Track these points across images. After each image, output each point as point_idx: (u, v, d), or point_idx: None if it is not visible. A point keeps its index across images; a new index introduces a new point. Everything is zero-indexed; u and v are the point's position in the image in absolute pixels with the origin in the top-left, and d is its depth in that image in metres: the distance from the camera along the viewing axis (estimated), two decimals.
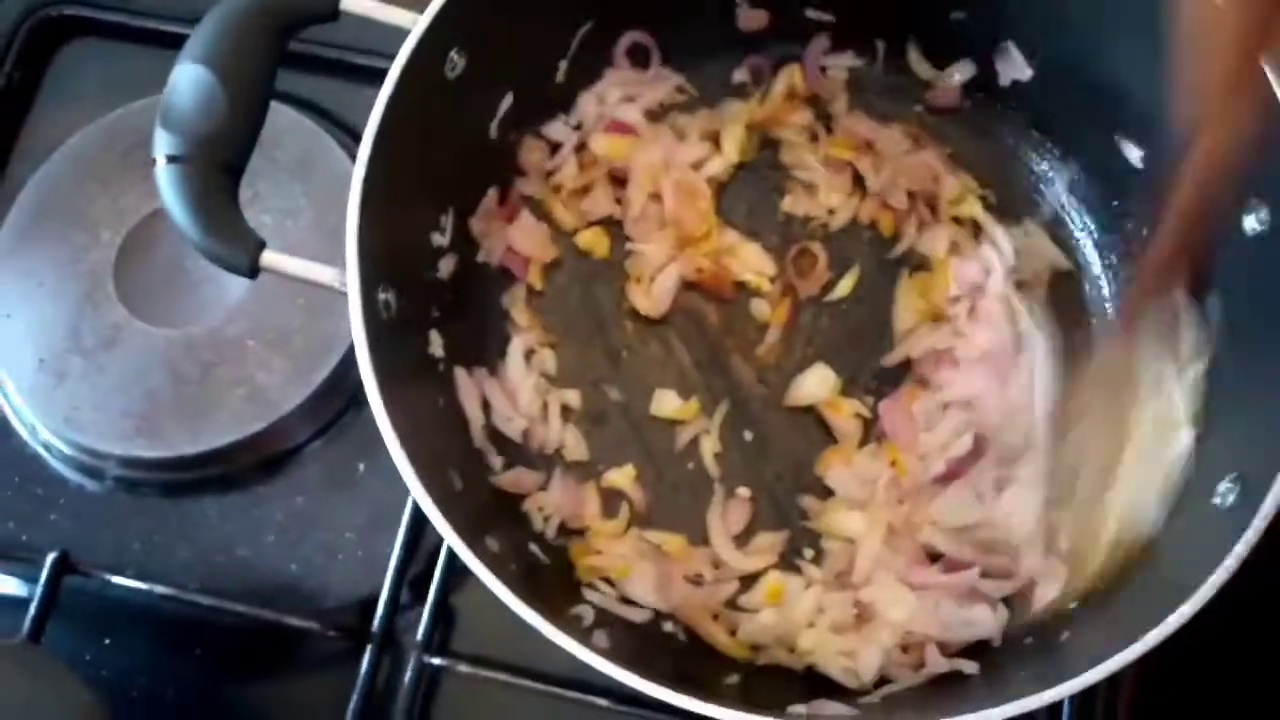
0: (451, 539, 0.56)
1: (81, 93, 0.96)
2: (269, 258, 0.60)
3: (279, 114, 0.89)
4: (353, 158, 0.67)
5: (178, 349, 0.84)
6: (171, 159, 0.58)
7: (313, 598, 0.81)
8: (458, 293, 0.75)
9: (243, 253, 0.59)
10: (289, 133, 0.89)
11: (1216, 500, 0.59)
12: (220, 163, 0.59)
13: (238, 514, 0.83)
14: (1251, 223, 0.64)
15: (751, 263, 0.81)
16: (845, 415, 0.76)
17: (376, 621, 0.78)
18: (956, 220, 0.80)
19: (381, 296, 0.63)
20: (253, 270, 0.59)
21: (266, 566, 0.82)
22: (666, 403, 0.78)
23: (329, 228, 0.84)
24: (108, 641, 0.80)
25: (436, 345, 0.72)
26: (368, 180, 0.61)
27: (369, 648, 0.77)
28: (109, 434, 0.82)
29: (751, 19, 0.81)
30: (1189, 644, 0.54)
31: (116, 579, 0.78)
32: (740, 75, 0.84)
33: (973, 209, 0.80)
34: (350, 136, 0.90)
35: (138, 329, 0.85)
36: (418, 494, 0.56)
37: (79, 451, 0.83)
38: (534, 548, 0.72)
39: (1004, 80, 0.80)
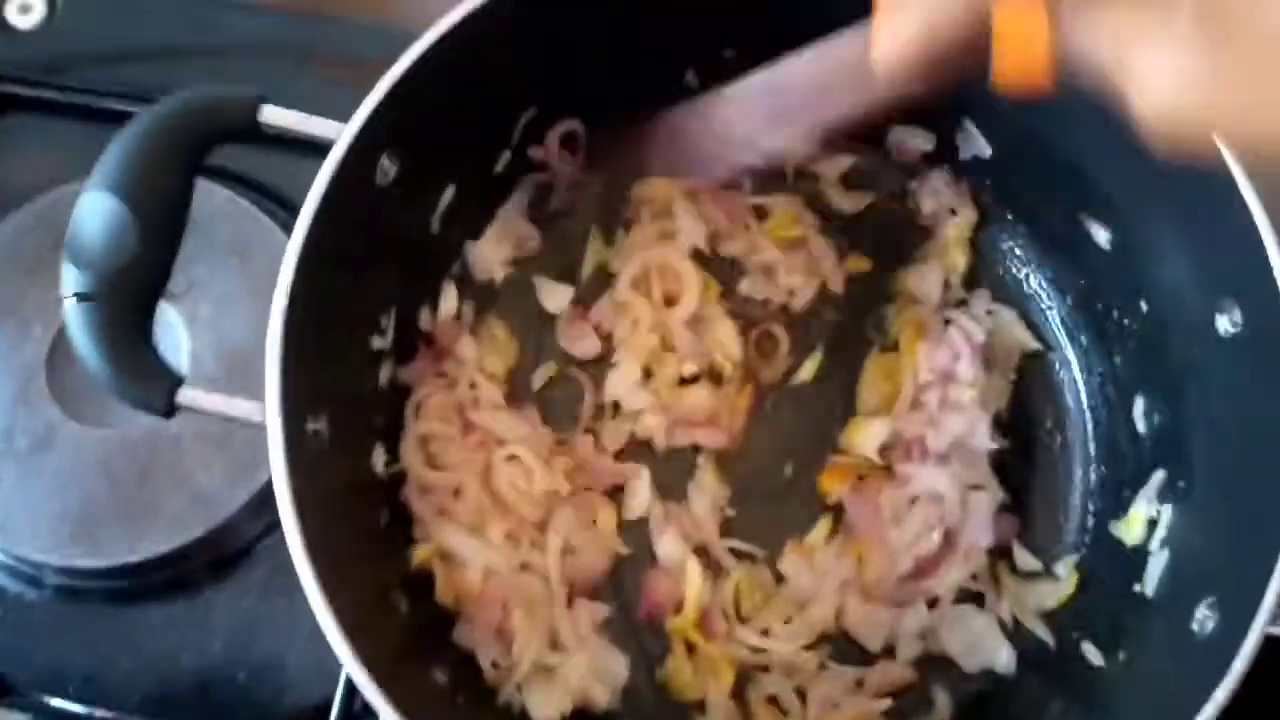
0: (365, 686, 0.52)
1: (13, 173, 0.91)
2: (186, 395, 0.57)
3: (213, 194, 0.86)
4: None
5: (114, 450, 0.80)
6: (80, 296, 0.55)
7: (263, 708, 0.78)
8: (403, 399, 0.71)
9: (157, 395, 0.56)
10: (224, 214, 0.85)
11: (1195, 626, 0.57)
12: (132, 299, 0.56)
13: (184, 621, 0.79)
14: (1224, 324, 0.61)
15: (723, 341, 0.77)
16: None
17: None
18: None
19: (311, 427, 0.59)
20: (168, 411, 0.56)
21: (214, 676, 0.78)
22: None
23: None
24: None
25: (379, 460, 0.68)
26: (291, 307, 0.57)
27: None
28: (44, 542, 0.79)
29: None
30: None
31: (55, 701, 0.75)
32: None
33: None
34: (292, 214, 0.86)
35: (72, 429, 0.81)
36: (334, 640, 0.53)
37: (14, 560, 0.80)
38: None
39: (964, 155, 0.76)
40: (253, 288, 0.83)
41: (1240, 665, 0.51)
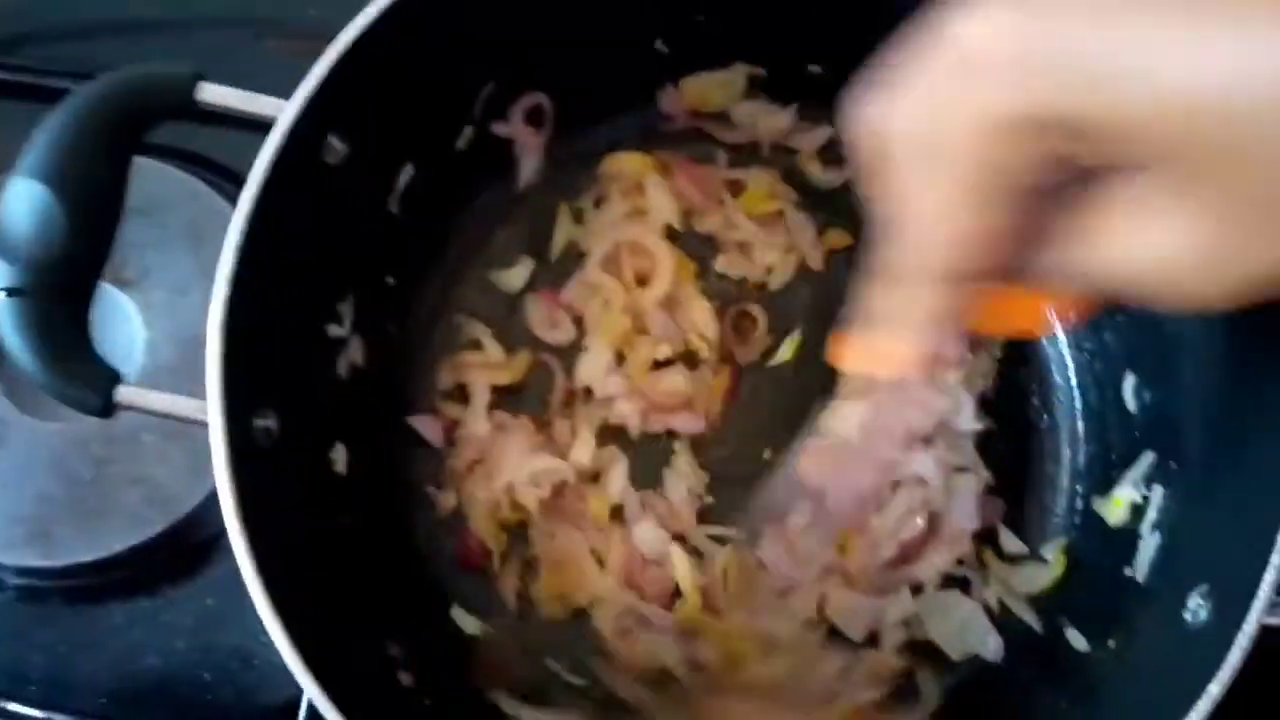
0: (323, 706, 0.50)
1: None
2: (125, 393, 0.53)
3: (167, 176, 0.83)
4: None
5: (67, 446, 0.77)
6: (10, 291, 0.51)
7: (227, 707, 0.76)
8: (363, 391, 0.68)
9: (93, 393, 0.53)
10: (179, 197, 0.82)
11: (1188, 615, 0.54)
12: (64, 291, 0.52)
13: (145, 620, 0.77)
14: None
15: (698, 323, 0.74)
16: None
17: None
18: None
19: (259, 424, 0.56)
20: (106, 410, 0.53)
21: (178, 675, 0.76)
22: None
23: None
24: None
25: (339, 458, 0.65)
26: (234, 296, 0.54)
27: None
28: None
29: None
30: None
31: (14, 706, 0.73)
32: None
33: None
34: None
35: (24, 425, 0.78)
36: (284, 651, 0.50)
37: None
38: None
39: None
40: (209, 273, 0.78)
41: (1235, 657, 0.48)
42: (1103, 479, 0.69)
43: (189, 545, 0.78)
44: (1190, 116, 0.31)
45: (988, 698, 0.68)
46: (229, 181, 0.84)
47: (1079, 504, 0.71)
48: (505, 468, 0.70)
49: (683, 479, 0.73)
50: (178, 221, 0.82)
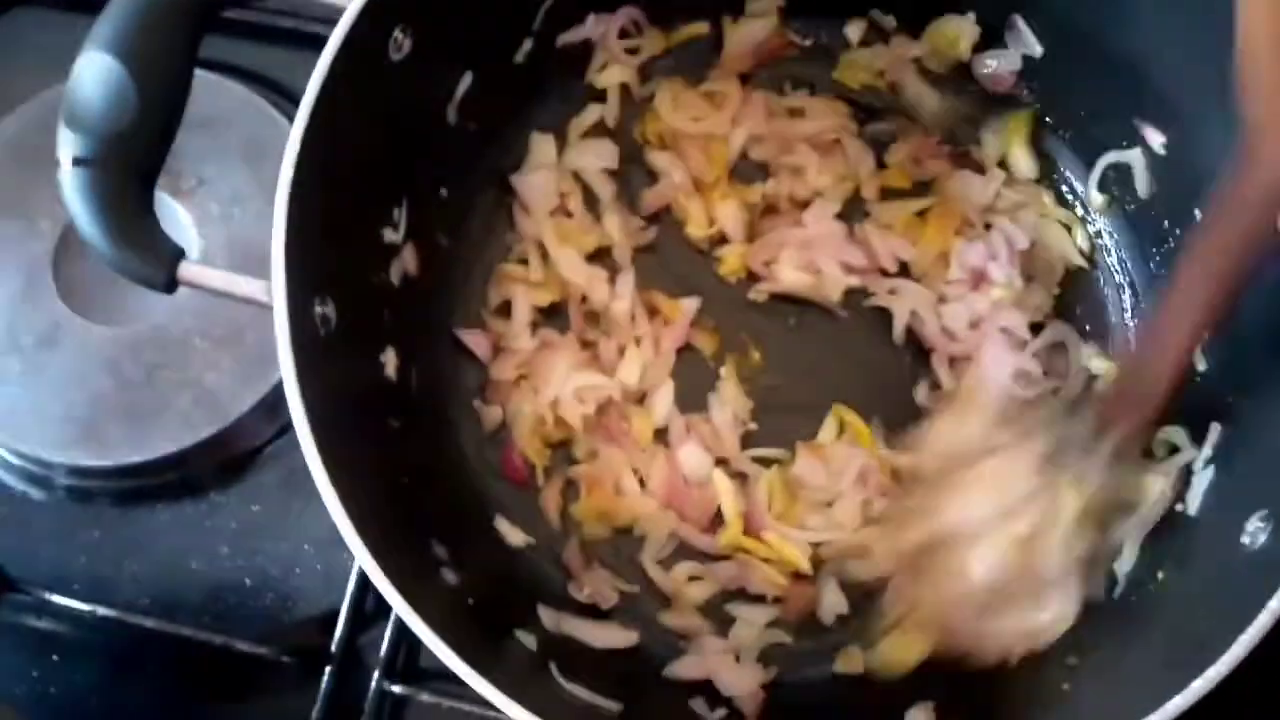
0: (389, 594, 0.50)
1: (22, 66, 0.88)
2: (188, 270, 0.54)
3: (226, 91, 0.83)
4: None
5: (121, 349, 0.78)
6: (78, 161, 0.52)
7: (270, 614, 0.76)
8: (414, 300, 0.68)
9: (158, 267, 0.53)
10: (238, 112, 0.83)
11: (1245, 540, 0.53)
12: (133, 166, 0.53)
13: (190, 524, 0.78)
14: None
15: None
16: None
17: (335, 641, 0.73)
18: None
19: (318, 310, 0.57)
20: (169, 285, 0.53)
21: (220, 580, 0.77)
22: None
23: None
24: (55, 659, 0.76)
25: (389, 361, 0.66)
26: (297, 182, 0.54)
27: (328, 669, 0.72)
28: (50, 441, 0.77)
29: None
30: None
31: (59, 598, 0.74)
32: None
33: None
34: None
35: (79, 327, 0.79)
36: (357, 551, 0.51)
37: (20, 459, 0.78)
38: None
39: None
40: (265, 188, 0.78)
41: None
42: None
43: (236, 452, 0.79)
44: None
45: None
46: (287, 99, 0.85)
47: None
48: (551, 383, 0.71)
49: (728, 404, 0.72)
50: (235, 136, 0.82)
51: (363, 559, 0.51)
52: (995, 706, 0.59)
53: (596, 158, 0.75)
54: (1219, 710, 0.47)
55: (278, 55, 0.85)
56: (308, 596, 0.76)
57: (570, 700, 0.58)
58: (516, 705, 0.49)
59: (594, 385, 0.71)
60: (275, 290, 0.53)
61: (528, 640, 0.63)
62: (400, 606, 0.50)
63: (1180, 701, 0.46)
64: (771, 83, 0.77)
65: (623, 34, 0.75)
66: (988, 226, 0.73)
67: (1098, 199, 0.74)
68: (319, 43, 0.81)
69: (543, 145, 0.75)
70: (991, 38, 0.73)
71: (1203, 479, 0.62)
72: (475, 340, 0.73)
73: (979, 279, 0.72)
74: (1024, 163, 0.75)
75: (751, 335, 0.75)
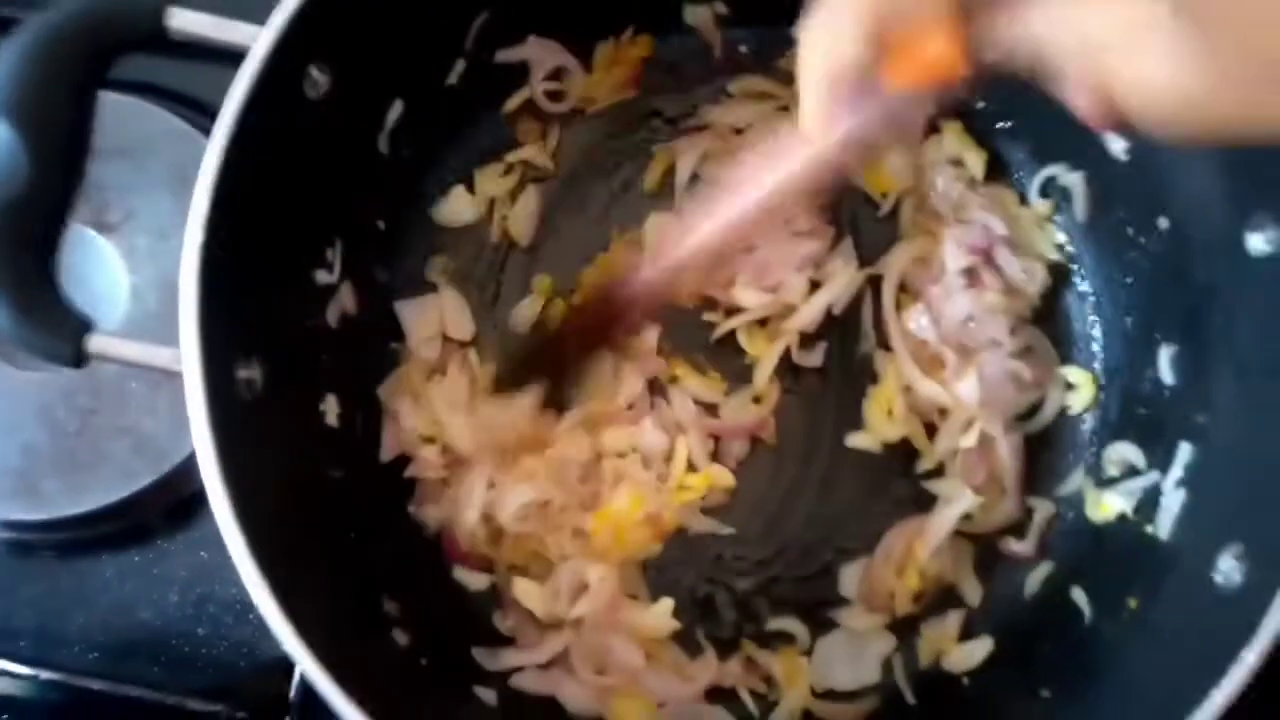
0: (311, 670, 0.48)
1: None
2: (97, 343, 0.51)
3: (148, 114, 0.79)
4: None
5: (53, 396, 0.75)
6: None
7: (224, 662, 0.74)
8: (355, 341, 0.65)
9: (62, 342, 0.50)
10: (162, 138, 0.78)
11: (1219, 578, 0.51)
12: (29, 237, 0.49)
13: (137, 573, 0.76)
14: (1258, 242, 0.54)
15: None
16: None
17: (293, 688, 0.70)
18: None
19: (242, 375, 0.54)
20: (77, 360, 0.50)
21: (172, 630, 0.75)
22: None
23: None
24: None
25: (330, 410, 0.63)
26: (210, 241, 0.51)
27: None
28: None
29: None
30: None
31: (3, 663, 0.71)
32: None
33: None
34: None
35: (6, 375, 0.76)
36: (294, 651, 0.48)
37: None
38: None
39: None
40: None
41: (1274, 622, 0.45)
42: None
43: (180, 497, 0.75)
44: None
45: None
46: (212, 119, 0.80)
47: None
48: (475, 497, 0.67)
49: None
50: (160, 163, 0.78)
51: (300, 659, 0.49)
52: None
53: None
54: None
55: (201, 73, 0.80)
56: (264, 641, 0.74)
57: None
58: None
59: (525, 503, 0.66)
60: (187, 359, 0.49)
61: (487, 697, 0.61)
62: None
63: None
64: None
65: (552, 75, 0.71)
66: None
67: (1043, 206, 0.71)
68: (238, 56, 0.78)
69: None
70: None
71: (1173, 500, 0.60)
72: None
73: (988, 260, 0.70)
74: (977, 166, 0.72)
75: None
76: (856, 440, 0.70)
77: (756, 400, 0.71)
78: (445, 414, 0.67)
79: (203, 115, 0.80)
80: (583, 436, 0.67)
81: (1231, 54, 0.33)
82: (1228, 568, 0.51)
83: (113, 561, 0.76)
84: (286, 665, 0.71)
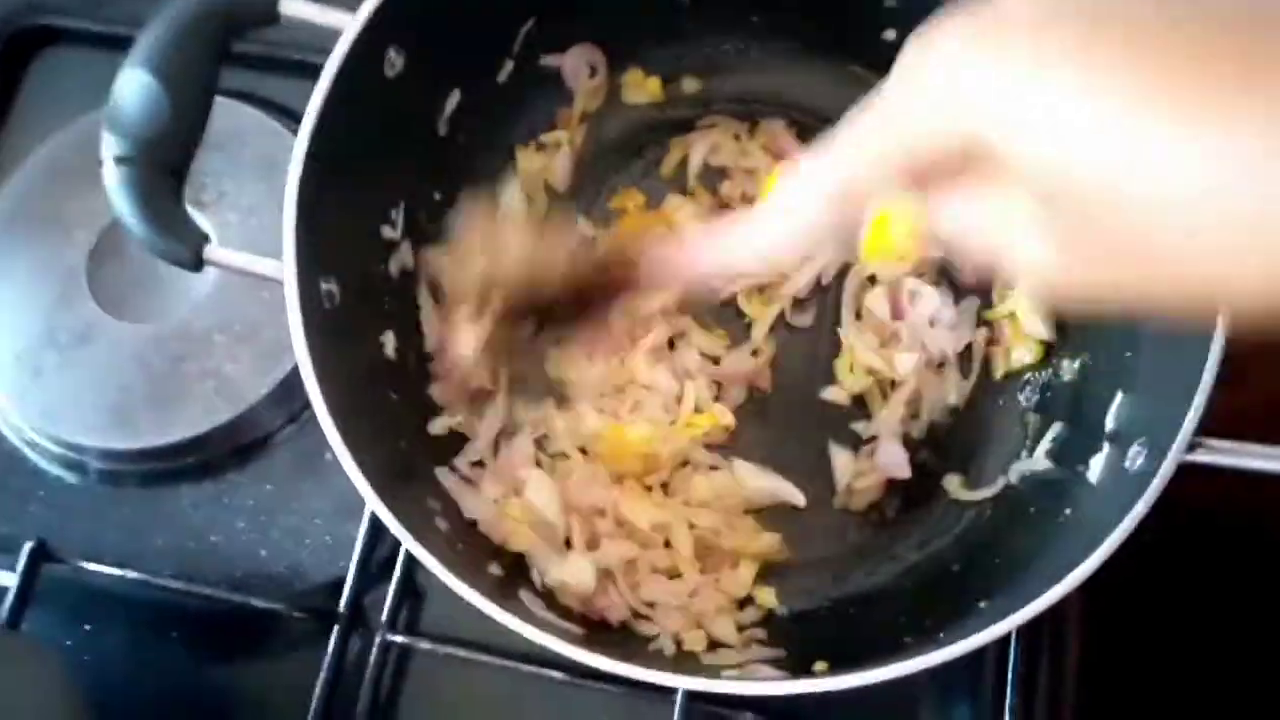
0: (389, 522, 0.58)
1: (57, 99, 0.99)
2: (212, 251, 0.63)
3: (242, 114, 0.93)
4: None
5: (148, 344, 0.87)
6: (119, 160, 0.61)
7: (283, 581, 0.84)
8: (411, 293, 0.77)
9: (185, 247, 0.62)
10: (252, 132, 0.92)
11: (1128, 464, 0.61)
12: (164, 163, 0.62)
13: (210, 502, 0.86)
14: None
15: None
16: None
17: (343, 602, 0.80)
18: None
19: (324, 286, 0.65)
20: (196, 263, 0.62)
21: (238, 552, 0.85)
22: None
23: None
24: (87, 628, 0.83)
25: (389, 345, 0.74)
26: (305, 176, 0.63)
27: (336, 627, 0.79)
28: (84, 427, 0.86)
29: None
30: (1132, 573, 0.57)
31: (92, 565, 0.81)
32: None
33: None
34: None
35: (110, 325, 0.88)
36: (356, 478, 0.59)
37: (57, 445, 0.87)
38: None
39: None
40: (277, 199, 0.87)
41: (1158, 484, 0.55)
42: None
43: (251, 437, 0.87)
44: (1076, 180, 0.36)
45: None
46: (296, 121, 0.94)
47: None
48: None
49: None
50: (250, 153, 0.92)
51: (368, 496, 0.59)
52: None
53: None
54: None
55: (286, 84, 0.95)
56: (317, 565, 0.84)
57: (541, 621, 0.65)
58: (503, 612, 0.57)
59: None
60: (286, 264, 0.61)
61: (494, 570, 0.71)
62: (401, 534, 0.58)
63: (1060, 589, 0.55)
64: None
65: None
66: None
67: None
68: (318, 70, 0.92)
69: None
70: None
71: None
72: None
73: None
74: None
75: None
76: (828, 394, 0.80)
77: (754, 354, 0.82)
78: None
79: (284, 116, 0.95)
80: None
81: (1082, 241, 0.38)
82: (1133, 454, 0.61)
83: (189, 492, 0.86)
84: (336, 584, 0.82)
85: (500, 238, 0.57)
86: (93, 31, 0.98)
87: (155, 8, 0.96)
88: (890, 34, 0.77)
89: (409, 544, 0.60)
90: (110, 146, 0.61)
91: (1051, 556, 0.63)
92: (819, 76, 0.83)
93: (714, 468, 0.78)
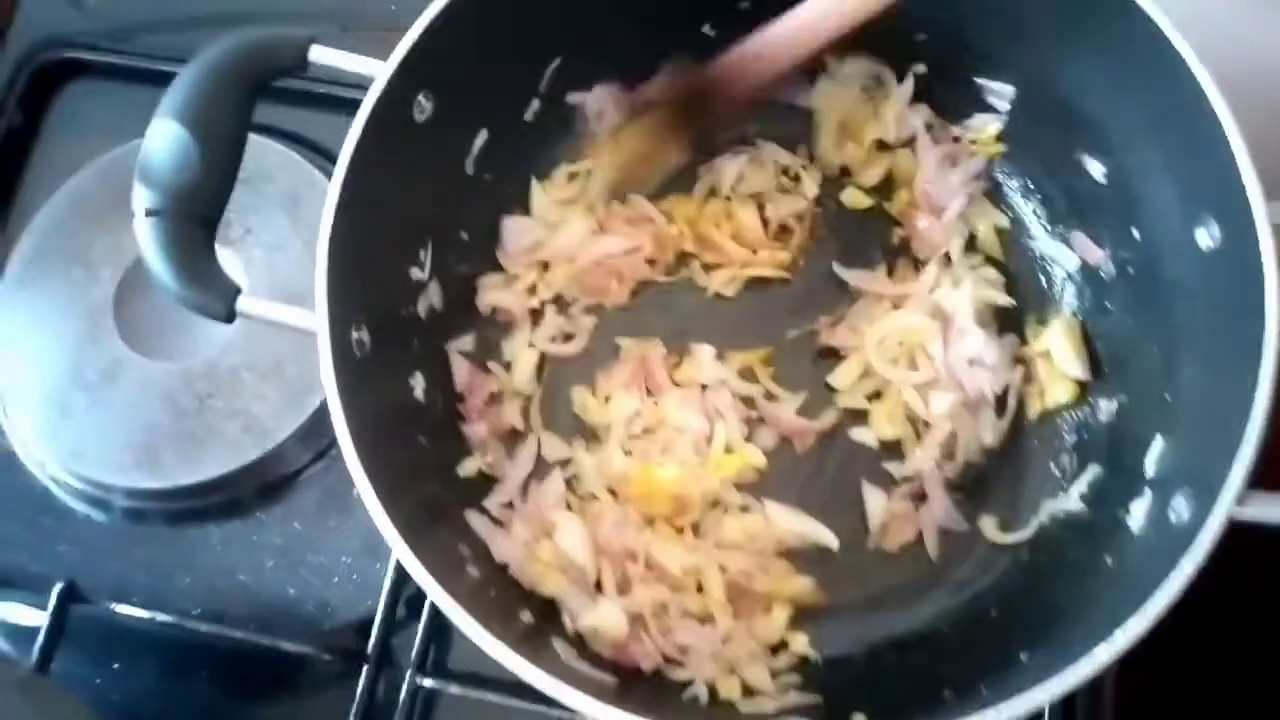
0: (418, 574, 0.58)
1: (82, 132, 0.99)
2: (244, 303, 0.62)
3: (268, 150, 0.92)
4: None
5: (175, 382, 0.87)
6: (150, 213, 0.61)
7: (311, 620, 0.83)
8: (439, 331, 0.77)
9: (219, 300, 0.62)
10: (278, 168, 0.92)
11: (1171, 516, 0.60)
12: (195, 215, 0.62)
13: (238, 540, 0.86)
14: (1204, 239, 0.64)
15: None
16: None
17: (371, 643, 0.80)
18: None
19: (354, 335, 0.65)
20: (229, 316, 0.62)
21: (266, 591, 0.84)
22: None
23: None
24: (116, 667, 0.83)
25: (419, 388, 0.74)
26: (336, 225, 0.63)
27: (365, 668, 0.79)
28: (112, 466, 0.85)
29: None
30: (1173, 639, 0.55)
31: (121, 607, 0.81)
32: None
33: None
34: None
35: (137, 363, 0.88)
36: (387, 533, 0.58)
37: (85, 484, 0.86)
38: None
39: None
40: (303, 234, 0.90)
41: (1206, 539, 0.54)
42: None
43: (278, 474, 0.86)
44: None
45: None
46: (322, 156, 0.94)
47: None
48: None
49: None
50: (276, 190, 0.92)
51: (399, 551, 0.58)
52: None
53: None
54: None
55: (312, 118, 0.95)
56: (345, 604, 0.83)
57: (572, 672, 0.64)
58: (531, 668, 0.56)
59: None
60: (318, 317, 0.61)
61: (526, 617, 0.70)
62: (429, 587, 0.58)
63: (1106, 651, 0.53)
64: None
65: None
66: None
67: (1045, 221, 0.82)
68: (347, 105, 0.91)
69: None
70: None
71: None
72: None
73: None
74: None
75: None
76: (859, 435, 0.80)
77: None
78: None
79: (312, 152, 0.94)
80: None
81: None
82: (1179, 505, 0.60)
83: (217, 530, 0.86)
84: (365, 624, 0.81)
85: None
86: (119, 65, 0.98)
87: (182, 39, 0.98)
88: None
89: (436, 597, 0.59)
90: (141, 199, 0.61)
91: (1093, 608, 0.62)
92: None
93: (744, 508, 0.77)
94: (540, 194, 0.83)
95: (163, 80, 0.91)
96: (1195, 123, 0.62)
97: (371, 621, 0.81)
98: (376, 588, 0.81)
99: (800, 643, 0.73)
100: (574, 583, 0.72)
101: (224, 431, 0.85)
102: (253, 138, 0.89)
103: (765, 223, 0.83)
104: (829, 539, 0.75)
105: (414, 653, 0.79)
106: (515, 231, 0.82)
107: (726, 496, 0.78)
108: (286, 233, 0.90)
